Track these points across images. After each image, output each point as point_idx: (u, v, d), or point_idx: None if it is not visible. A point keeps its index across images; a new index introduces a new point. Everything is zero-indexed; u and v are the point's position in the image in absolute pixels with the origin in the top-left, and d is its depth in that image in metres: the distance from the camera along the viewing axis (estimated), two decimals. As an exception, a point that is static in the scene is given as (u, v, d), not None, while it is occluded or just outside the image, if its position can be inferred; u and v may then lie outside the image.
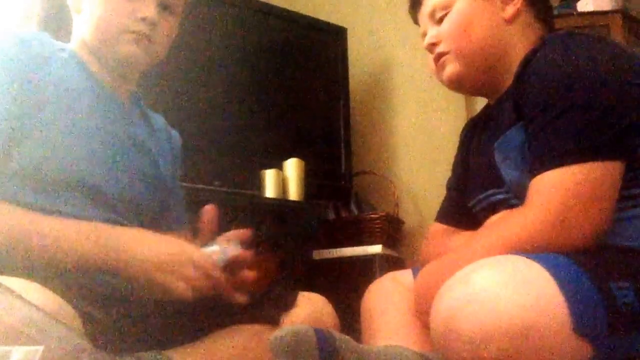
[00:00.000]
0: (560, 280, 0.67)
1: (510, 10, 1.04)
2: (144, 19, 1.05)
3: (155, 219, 1.11)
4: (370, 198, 2.47)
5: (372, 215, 2.21)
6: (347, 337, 0.84)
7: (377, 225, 2.18)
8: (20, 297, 0.70)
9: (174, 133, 1.27)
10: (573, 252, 0.76)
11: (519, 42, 1.04)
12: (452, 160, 1.26)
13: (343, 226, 2.25)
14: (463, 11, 1.04)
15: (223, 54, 2.17)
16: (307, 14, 2.46)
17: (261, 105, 2.22)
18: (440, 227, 1.18)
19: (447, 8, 1.06)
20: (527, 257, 0.72)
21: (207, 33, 2.13)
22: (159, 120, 1.24)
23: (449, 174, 1.27)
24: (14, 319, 0.67)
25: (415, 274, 1.09)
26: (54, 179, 0.95)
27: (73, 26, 1.13)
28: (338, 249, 2.15)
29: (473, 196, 1.10)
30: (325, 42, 2.47)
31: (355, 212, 2.33)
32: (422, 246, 1.18)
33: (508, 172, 0.97)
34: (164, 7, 1.09)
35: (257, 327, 1.00)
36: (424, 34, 1.12)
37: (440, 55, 1.07)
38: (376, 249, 2.10)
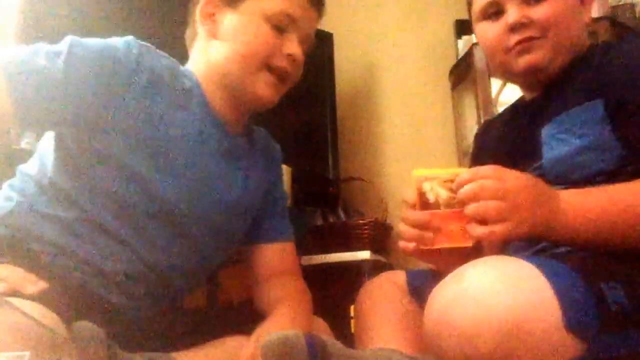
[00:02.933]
0: (552, 278, 0.68)
1: (589, 14, 1.08)
2: (289, 56, 1.03)
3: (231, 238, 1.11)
4: (358, 204, 2.47)
5: (360, 221, 2.20)
6: (337, 342, 0.83)
7: (365, 231, 2.17)
8: (7, 303, 0.70)
9: (276, 147, 1.24)
10: (565, 256, 0.77)
11: (587, 42, 1.08)
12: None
13: (331, 232, 2.24)
14: (567, 3, 1.03)
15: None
16: (294, 19, 2.45)
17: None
18: None
19: None
20: (519, 258, 0.73)
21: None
22: (260, 137, 1.21)
23: (437, 178, 1.27)
24: (0, 325, 0.67)
25: (409, 277, 1.09)
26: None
27: (197, 49, 1.08)
28: (326, 255, 2.14)
29: None
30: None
31: (343, 218, 2.33)
32: None
33: (554, 147, 0.96)
34: (301, 43, 1.06)
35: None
36: (494, 3, 1.05)
37: (530, 38, 1.01)
38: (364, 254, 2.09)
